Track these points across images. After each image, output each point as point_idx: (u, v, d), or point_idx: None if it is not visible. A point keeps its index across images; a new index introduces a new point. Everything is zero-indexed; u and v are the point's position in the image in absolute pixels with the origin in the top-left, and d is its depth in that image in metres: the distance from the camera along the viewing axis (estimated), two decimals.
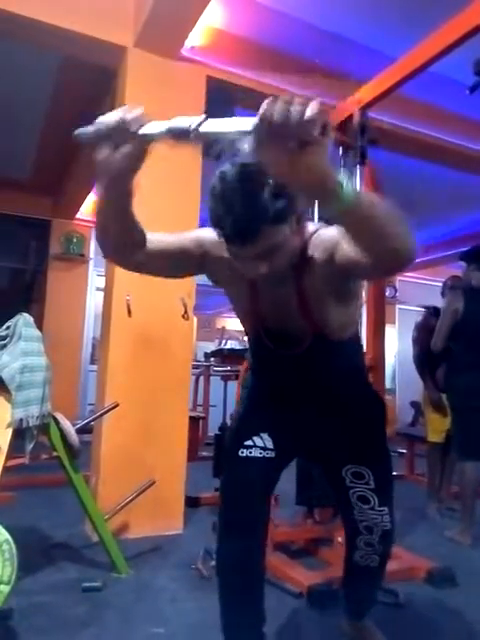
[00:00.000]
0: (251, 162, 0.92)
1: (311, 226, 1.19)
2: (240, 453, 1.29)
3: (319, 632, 1.71)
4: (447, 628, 1.79)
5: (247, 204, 0.97)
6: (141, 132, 0.86)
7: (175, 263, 1.23)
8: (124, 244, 1.09)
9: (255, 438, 1.30)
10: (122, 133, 0.86)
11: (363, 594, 1.57)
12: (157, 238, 1.16)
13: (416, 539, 2.67)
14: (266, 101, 0.71)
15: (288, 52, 3.00)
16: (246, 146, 0.76)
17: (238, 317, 1.37)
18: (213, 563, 2.16)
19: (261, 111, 0.70)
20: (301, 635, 1.70)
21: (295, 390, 1.33)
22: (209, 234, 1.20)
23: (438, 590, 2.06)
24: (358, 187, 2.25)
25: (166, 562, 2.26)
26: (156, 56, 2.73)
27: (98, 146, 0.89)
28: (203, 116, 0.80)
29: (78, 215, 5.59)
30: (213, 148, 0.83)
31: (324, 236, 1.14)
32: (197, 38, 2.82)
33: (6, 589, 1.47)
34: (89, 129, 0.88)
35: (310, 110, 0.69)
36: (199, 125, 0.79)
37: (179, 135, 0.82)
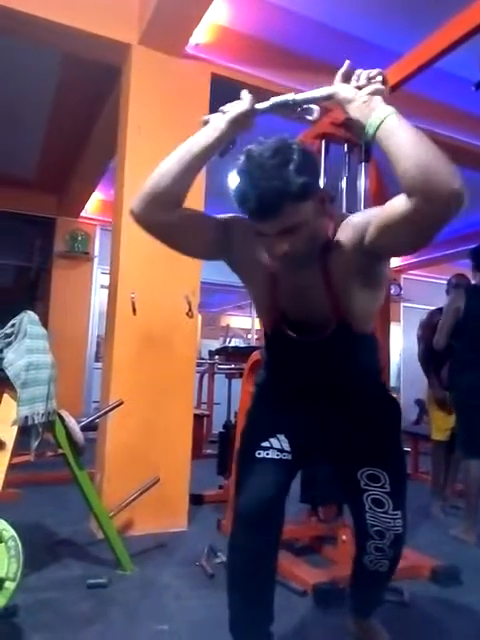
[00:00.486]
0: (276, 139, 1.08)
1: (341, 214, 1.23)
2: (257, 454, 1.28)
3: (324, 631, 1.71)
4: (452, 626, 1.79)
5: (271, 177, 1.02)
6: (254, 106, 1.16)
7: (201, 236, 1.26)
8: (170, 198, 1.14)
9: (272, 440, 1.29)
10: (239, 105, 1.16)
11: (370, 596, 1.56)
12: (189, 210, 1.21)
13: (421, 537, 2.67)
14: (339, 74, 1.15)
15: (293, 49, 2.99)
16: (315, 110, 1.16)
17: (256, 307, 1.36)
18: (217, 560, 2.18)
19: (340, 77, 1.14)
20: (306, 633, 1.70)
21: (312, 386, 1.30)
22: (237, 219, 1.25)
23: (443, 588, 2.06)
24: (363, 185, 2.24)
25: (170, 559, 2.27)
26: (160, 53, 2.72)
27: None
28: (290, 94, 1.16)
29: (83, 213, 5.61)
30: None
31: (354, 219, 1.18)
32: (202, 35, 2.81)
33: (12, 586, 1.48)
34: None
35: (373, 71, 1.11)
36: (295, 97, 1.15)
37: (282, 105, 1.16)
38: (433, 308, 3.59)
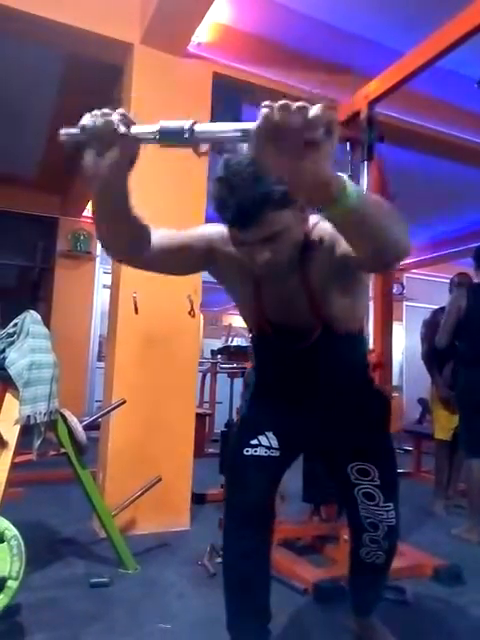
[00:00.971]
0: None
1: (314, 217, 1.20)
2: (245, 452, 1.29)
3: (324, 629, 1.71)
4: (454, 625, 1.79)
5: (251, 186, 0.98)
6: (131, 133, 0.80)
7: (182, 260, 1.24)
8: (127, 244, 1.08)
9: (260, 437, 1.30)
10: (109, 135, 0.80)
11: (369, 591, 1.57)
12: (163, 234, 1.16)
13: (423, 536, 2.66)
14: (265, 103, 0.67)
15: (295, 48, 2.98)
16: (244, 147, 0.78)
17: (242, 315, 1.36)
18: (219, 560, 2.17)
19: (261, 112, 0.66)
20: (306, 632, 1.70)
21: (299, 386, 1.32)
22: (215, 229, 1.23)
23: (445, 588, 2.05)
24: (365, 183, 2.24)
25: (173, 558, 2.27)
26: (163, 53, 2.72)
27: (84, 149, 0.84)
28: (192, 120, 0.76)
29: (85, 213, 5.61)
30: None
31: (330, 229, 1.14)
32: (204, 34, 2.81)
33: (14, 584, 1.49)
34: (72, 131, 0.82)
35: (313, 111, 0.66)
36: (193, 125, 0.75)
37: (172, 136, 0.77)
38: (436, 307, 3.59)
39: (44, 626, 1.65)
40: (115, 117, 0.80)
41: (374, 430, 1.39)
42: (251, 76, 2.89)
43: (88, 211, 5.60)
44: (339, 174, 0.76)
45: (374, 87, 2.40)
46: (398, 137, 3.15)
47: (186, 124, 0.76)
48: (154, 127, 0.78)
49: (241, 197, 0.99)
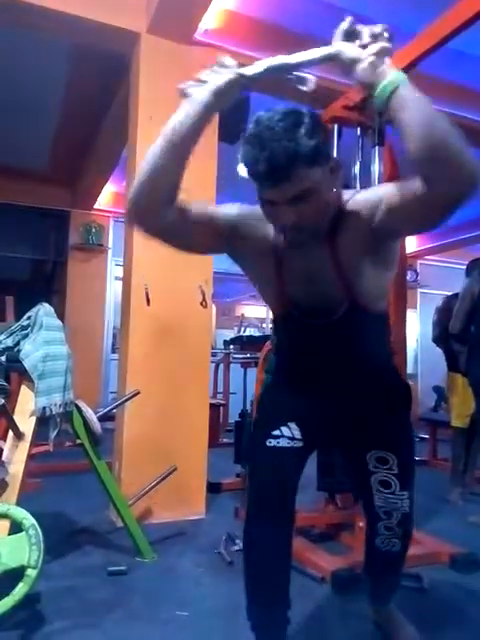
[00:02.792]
0: (285, 107, 1.02)
1: (349, 191, 1.20)
2: (268, 443, 1.27)
3: (342, 617, 1.72)
4: (471, 612, 1.78)
5: (283, 139, 0.98)
6: (242, 72, 1.02)
7: (204, 232, 1.21)
8: (161, 199, 1.07)
9: (283, 428, 1.28)
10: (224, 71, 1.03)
11: (386, 580, 1.56)
12: (192, 203, 1.15)
13: (439, 524, 2.65)
14: (340, 32, 1.02)
15: (303, 32, 2.93)
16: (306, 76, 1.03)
17: (263, 296, 1.33)
18: (235, 548, 2.19)
19: (340, 34, 1.02)
20: (324, 619, 1.71)
21: (323, 369, 1.28)
22: (237, 208, 1.23)
23: (462, 575, 2.04)
24: (377, 168, 2.21)
25: (189, 547, 2.29)
26: (169, 41, 2.70)
27: (194, 85, 1.05)
28: (281, 55, 1.02)
29: (96, 205, 5.62)
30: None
31: (365, 195, 1.16)
32: (211, 21, 2.78)
33: (33, 573, 1.51)
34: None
35: (377, 27, 0.99)
36: (291, 59, 1.02)
37: (277, 70, 1.03)
38: (449, 294, 3.55)
39: (63, 614, 1.67)
40: (226, 61, 1.05)
41: (397, 419, 1.36)
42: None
43: (99, 204, 5.62)
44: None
45: None
46: None
47: (288, 59, 1.02)
48: (261, 66, 1.03)
49: (272, 151, 0.98)
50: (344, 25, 1.02)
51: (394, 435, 1.35)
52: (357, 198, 1.16)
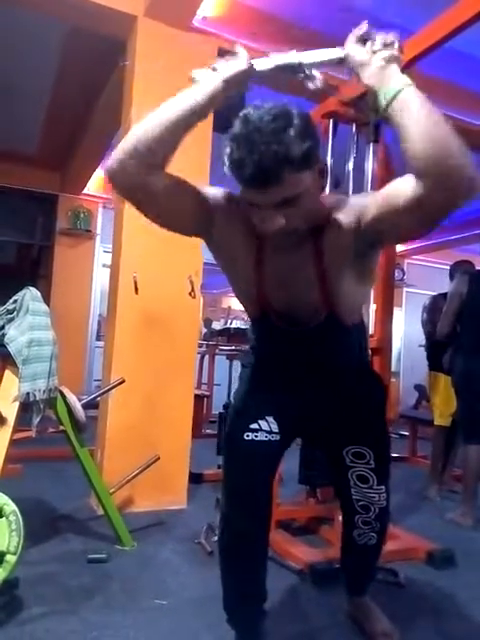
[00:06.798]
0: (274, 105, 0.99)
1: (338, 196, 1.19)
2: (245, 436, 1.28)
3: (319, 609, 1.74)
4: (447, 608, 1.81)
5: (272, 142, 0.94)
6: (253, 65, 1.05)
7: (184, 207, 1.13)
8: (152, 157, 1.00)
9: (261, 422, 1.28)
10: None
11: (362, 571, 1.60)
12: (175, 175, 1.09)
13: (417, 521, 2.69)
14: (353, 36, 1.03)
15: (302, 23, 2.91)
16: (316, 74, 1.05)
17: (238, 294, 1.29)
18: (215, 538, 2.20)
19: (353, 38, 1.03)
20: (301, 611, 1.73)
21: (299, 370, 1.30)
22: (221, 193, 1.18)
23: (438, 571, 2.08)
24: (371, 165, 2.21)
25: (169, 536, 2.29)
26: (167, 26, 2.66)
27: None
28: (293, 52, 1.05)
29: (85, 190, 5.55)
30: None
31: (353, 201, 1.14)
32: (209, 8, 2.74)
33: (13, 559, 1.50)
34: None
35: (389, 37, 1.01)
36: (302, 58, 1.04)
37: (288, 68, 1.05)
38: (435, 293, 3.58)
39: (42, 600, 1.67)
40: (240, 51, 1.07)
41: (371, 414, 1.39)
42: (257, 53, 2.81)
43: (88, 189, 5.54)
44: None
45: None
46: None
47: (298, 58, 1.04)
48: (271, 62, 1.06)
49: (261, 154, 0.94)
50: (359, 30, 1.03)
51: (370, 431, 1.38)
52: (345, 204, 1.13)
